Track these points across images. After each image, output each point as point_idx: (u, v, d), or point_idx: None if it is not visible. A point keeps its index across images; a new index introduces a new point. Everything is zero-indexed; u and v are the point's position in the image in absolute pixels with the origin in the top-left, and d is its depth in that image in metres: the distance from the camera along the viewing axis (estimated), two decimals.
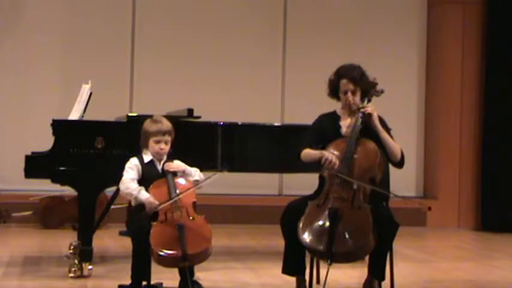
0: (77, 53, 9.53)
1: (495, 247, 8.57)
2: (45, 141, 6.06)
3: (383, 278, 5.16)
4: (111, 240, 7.65)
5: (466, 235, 9.48)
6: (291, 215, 5.12)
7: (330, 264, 4.86)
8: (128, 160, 5.36)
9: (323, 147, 5.19)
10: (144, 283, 5.20)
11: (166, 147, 5.34)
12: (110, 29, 9.62)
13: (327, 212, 4.97)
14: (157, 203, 5.13)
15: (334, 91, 5.37)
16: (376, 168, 5.13)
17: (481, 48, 9.95)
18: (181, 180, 5.31)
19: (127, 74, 9.70)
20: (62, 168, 5.89)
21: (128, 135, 5.94)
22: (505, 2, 9.76)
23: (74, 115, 6.25)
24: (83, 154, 5.91)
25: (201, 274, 5.57)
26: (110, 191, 6.51)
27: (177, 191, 5.20)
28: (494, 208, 9.67)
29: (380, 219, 4.98)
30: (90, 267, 5.89)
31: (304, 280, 5.25)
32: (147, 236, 5.02)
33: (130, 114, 6.31)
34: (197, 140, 6.21)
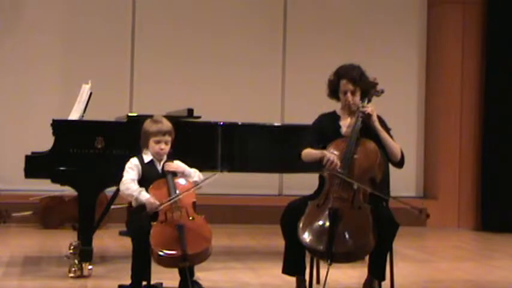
0: (77, 53, 9.53)
1: (495, 247, 8.57)
2: (45, 141, 6.06)
3: (383, 278, 5.16)
4: (111, 240, 7.65)
5: (466, 235, 9.48)
6: (291, 215, 5.12)
7: (330, 264, 4.86)
8: (128, 160, 5.36)
9: (324, 147, 5.19)
10: (144, 283, 5.20)
11: (166, 148, 5.34)
12: (110, 29, 9.62)
13: (327, 212, 4.97)
14: (158, 203, 5.13)
15: (334, 91, 5.37)
16: (376, 168, 5.13)
17: (481, 48, 9.95)
18: (181, 181, 5.31)
19: (127, 74, 9.70)
20: (62, 168, 5.89)
21: (128, 135, 5.94)
22: (505, 2, 9.76)
23: (74, 115, 6.25)
24: (83, 154, 5.91)
25: (201, 274, 5.57)
26: (110, 191, 6.51)
27: (177, 191, 5.20)
28: (494, 208, 9.67)
29: (380, 219, 4.98)
30: (90, 267, 5.89)
31: (304, 280, 5.25)
32: (147, 236, 5.02)
33: (130, 114, 6.31)
34: (197, 140, 6.21)
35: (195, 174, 5.37)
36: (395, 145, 5.24)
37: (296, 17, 10.04)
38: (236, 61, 9.84)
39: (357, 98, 5.29)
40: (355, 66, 5.33)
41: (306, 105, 8.53)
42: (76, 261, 5.86)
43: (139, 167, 5.32)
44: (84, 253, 5.87)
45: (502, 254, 8.09)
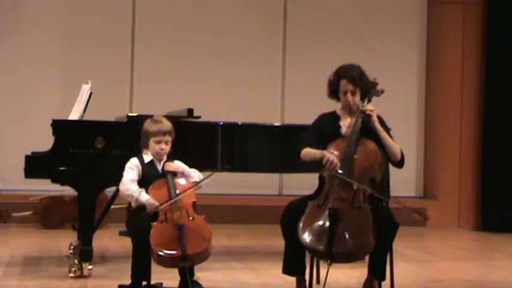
0: (77, 53, 9.53)
1: (495, 247, 8.57)
2: (45, 141, 6.06)
3: (383, 278, 5.16)
4: (111, 240, 7.65)
5: (466, 235, 9.48)
6: (291, 215, 5.11)
7: (330, 264, 4.86)
8: (128, 160, 5.36)
9: (324, 148, 5.18)
10: (144, 283, 5.20)
11: (166, 148, 5.34)
12: (110, 29, 9.62)
13: (327, 212, 4.97)
14: (157, 204, 5.13)
15: (334, 91, 5.36)
16: (376, 168, 5.13)
17: (481, 48, 9.95)
18: (181, 181, 5.31)
19: (127, 74, 9.70)
20: (62, 168, 5.89)
21: (128, 135, 5.94)
22: (505, 2, 9.76)
23: (74, 115, 6.25)
24: (83, 154, 5.91)
25: (201, 274, 5.57)
26: (110, 191, 6.51)
27: (177, 191, 5.20)
28: (494, 208, 9.67)
29: (380, 219, 4.98)
30: (90, 267, 5.89)
31: (304, 280, 5.25)
32: (147, 236, 5.02)
33: (130, 114, 6.31)
34: (197, 140, 6.21)
35: (195, 175, 5.37)
36: (395, 145, 5.24)
37: (296, 17, 10.04)
38: (236, 61, 9.84)
39: (357, 98, 5.29)
40: (355, 66, 5.33)
41: (306, 105, 8.53)
42: (76, 261, 5.86)
43: (140, 167, 5.32)
44: (84, 253, 5.87)
45: (502, 254, 8.09)
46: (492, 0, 9.88)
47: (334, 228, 4.88)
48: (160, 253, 4.98)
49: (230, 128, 6.38)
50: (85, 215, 5.94)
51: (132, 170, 5.30)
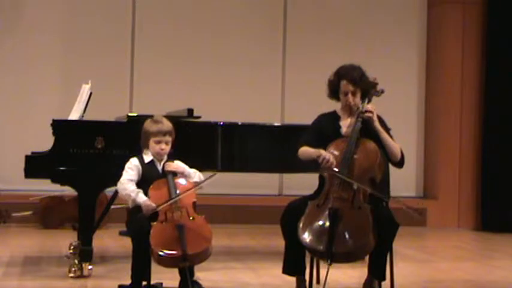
0: (77, 53, 9.53)
1: (495, 247, 8.57)
2: (45, 141, 6.06)
3: (383, 278, 5.16)
4: (111, 240, 7.65)
5: (466, 235, 9.48)
6: (291, 215, 5.11)
7: (330, 264, 4.86)
8: (128, 160, 5.36)
9: (323, 148, 5.18)
10: (144, 283, 5.20)
11: (167, 148, 5.34)
12: (110, 29, 9.62)
13: (327, 212, 4.97)
14: (154, 206, 5.13)
15: (334, 92, 5.36)
16: (376, 168, 5.13)
17: (481, 48, 9.95)
18: (181, 181, 5.31)
19: (127, 74, 9.70)
20: (62, 168, 5.89)
21: (128, 135, 5.94)
22: (505, 2, 9.76)
23: (74, 115, 6.25)
24: (83, 154, 5.91)
25: (201, 274, 5.57)
26: (110, 191, 6.50)
27: (177, 191, 5.20)
28: (494, 208, 9.67)
29: (380, 219, 4.98)
30: (90, 267, 5.89)
31: (304, 280, 5.25)
32: (147, 236, 5.02)
33: (130, 114, 6.31)
34: (197, 140, 6.21)
35: (195, 175, 5.36)
36: (395, 145, 5.24)
37: (296, 17, 10.04)
38: (236, 61, 9.84)
39: (358, 98, 5.29)
40: (355, 66, 5.33)
41: (306, 105, 8.53)
42: (76, 261, 5.86)
43: (140, 167, 5.32)
44: (84, 253, 5.87)
45: (502, 254, 8.09)
46: (492, 0, 9.88)
47: (334, 228, 4.88)
48: (161, 253, 4.98)
49: (230, 128, 6.38)
50: (85, 215, 5.94)
51: (131, 170, 5.30)
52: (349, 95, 5.27)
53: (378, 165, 5.13)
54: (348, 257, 4.94)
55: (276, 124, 7.54)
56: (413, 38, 10.28)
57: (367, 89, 5.31)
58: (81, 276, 5.84)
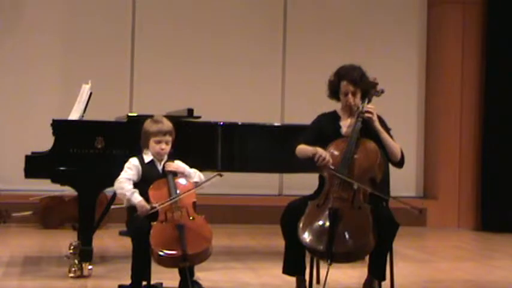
0: (77, 53, 9.53)
1: (495, 247, 8.57)
2: (45, 141, 6.06)
3: (383, 278, 5.16)
4: (111, 240, 7.65)
5: (466, 235, 9.48)
6: (291, 215, 5.11)
7: (330, 264, 4.86)
8: (128, 160, 5.36)
9: (322, 148, 5.18)
10: (144, 283, 5.20)
11: (167, 148, 5.33)
12: (110, 29, 9.62)
13: (327, 212, 4.97)
14: (148, 207, 5.13)
15: (334, 92, 5.36)
16: (376, 168, 5.13)
17: (481, 48, 9.95)
18: (181, 181, 5.31)
19: (127, 74, 9.70)
20: (62, 168, 5.89)
21: (128, 135, 5.94)
22: (505, 2, 9.76)
23: (74, 115, 6.25)
24: (83, 154, 5.91)
25: (201, 274, 5.57)
26: (109, 191, 6.49)
27: (178, 191, 5.20)
28: (494, 208, 9.67)
29: (380, 219, 4.98)
30: (90, 267, 5.89)
31: (304, 280, 5.25)
32: (147, 236, 5.02)
33: (130, 114, 6.31)
34: (197, 140, 6.21)
35: (195, 175, 5.37)
36: (395, 145, 5.24)
37: (296, 17, 10.04)
38: (236, 61, 9.84)
39: (358, 98, 5.29)
40: (355, 67, 5.33)
41: (306, 105, 8.53)
42: (76, 261, 5.86)
43: (139, 167, 5.32)
44: (84, 253, 5.87)
45: (502, 254, 8.09)
46: (492, 0, 9.88)
47: (334, 228, 4.88)
48: (161, 253, 4.98)
49: (230, 128, 6.38)
50: (85, 215, 5.94)
51: (130, 169, 5.30)
52: (350, 96, 5.28)
53: (378, 165, 5.13)
54: (348, 257, 4.94)
55: (276, 124, 7.54)
56: (413, 38, 10.28)
57: (367, 89, 5.31)
58: (81, 276, 5.84)
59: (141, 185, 5.26)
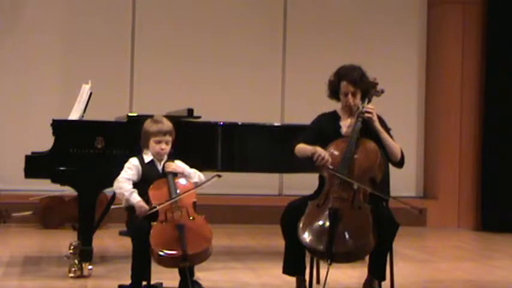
0: (77, 53, 9.53)
1: (495, 247, 8.57)
2: (45, 141, 6.06)
3: (383, 278, 5.16)
4: (111, 240, 7.65)
5: (466, 235, 9.48)
6: (291, 215, 5.11)
7: (330, 264, 4.86)
8: (128, 160, 5.36)
9: (322, 147, 5.18)
10: (144, 283, 5.20)
11: (167, 148, 5.33)
12: (110, 29, 9.62)
13: (327, 212, 4.97)
14: (147, 208, 5.12)
15: (334, 92, 5.36)
16: (376, 168, 5.13)
17: (481, 48, 9.95)
18: (181, 181, 5.31)
19: (127, 74, 9.70)
20: (62, 168, 5.89)
21: (128, 135, 5.94)
22: (505, 2, 9.76)
23: (74, 115, 6.25)
24: (83, 154, 5.91)
25: (201, 274, 5.57)
26: (109, 191, 6.48)
27: (178, 191, 5.20)
28: (494, 208, 9.67)
29: (380, 219, 4.98)
30: (90, 267, 5.89)
31: (304, 280, 5.25)
32: (147, 236, 5.02)
33: (130, 114, 6.31)
34: (197, 140, 6.21)
35: (195, 175, 5.37)
36: (395, 145, 5.24)
37: (296, 17, 10.04)
38: (236, 61, 9.84)
39: (358, 99, 5.29)
40: (355, 67, 5.32)
41: (306, 105, 8.53)
42: (76, 261, 5.86)
43: (139, 167, 5.32)
44: (84, 253, 5.87)
45: (502, 254, 8.09)
46: (492, 0, 9.88)
47: (334, 228, 4.88)
48: (161, 253, 4.98)
49: (230, 128, 6.38)
50: (85, 215, 5.94)
51: (130, 169, 5.30)
52: (350, 96, 5.27)
53: (378, 165, 5.13)
54: (348, 257, 4.94)
55: (276, 124, 7.54)
56: (413, 38, 10.28)
57: (367, 89, 5.32)
58: (81, 276, 5.84)
59: (141, 185, 5.26)
